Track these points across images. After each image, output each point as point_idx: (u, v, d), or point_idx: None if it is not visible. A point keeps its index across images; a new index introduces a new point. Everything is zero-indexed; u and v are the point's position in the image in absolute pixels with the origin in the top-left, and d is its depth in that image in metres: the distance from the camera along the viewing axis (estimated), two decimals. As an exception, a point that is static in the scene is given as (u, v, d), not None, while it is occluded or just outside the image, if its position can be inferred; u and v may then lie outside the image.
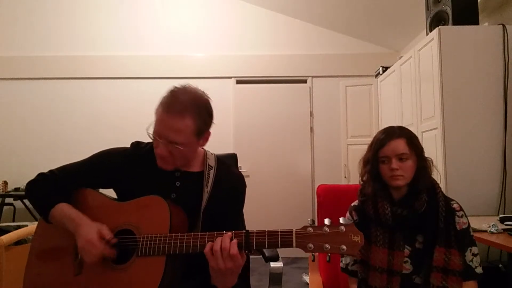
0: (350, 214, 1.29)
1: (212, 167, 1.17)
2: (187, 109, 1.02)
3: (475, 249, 1.14)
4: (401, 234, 1.16)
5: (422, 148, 1.20)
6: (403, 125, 1.30)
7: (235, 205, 1.19)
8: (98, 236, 0.98)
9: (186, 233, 0.97)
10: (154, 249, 0.97)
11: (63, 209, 1.06)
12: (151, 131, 1.06)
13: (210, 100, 1.10)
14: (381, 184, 1.21)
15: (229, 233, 0.93)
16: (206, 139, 1.13)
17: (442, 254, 1.09)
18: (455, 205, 1.18)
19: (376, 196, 1.20)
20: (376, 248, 1.16)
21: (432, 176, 1.21)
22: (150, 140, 1.11)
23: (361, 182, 1.28)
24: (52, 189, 1.10)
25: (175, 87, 1.06)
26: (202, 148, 1.23)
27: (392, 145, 1.15)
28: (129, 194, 1.09)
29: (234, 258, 0.89)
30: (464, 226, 1.15)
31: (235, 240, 0.91)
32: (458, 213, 1.16)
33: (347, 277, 1.29)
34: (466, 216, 1.17)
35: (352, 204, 1.31)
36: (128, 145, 1.22)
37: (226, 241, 0.90)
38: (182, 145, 1.03)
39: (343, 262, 1.29)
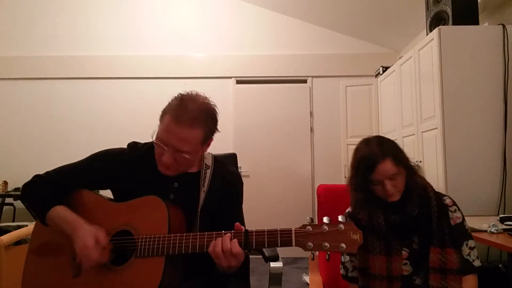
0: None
1: (209, 167, 1.18)
2: (196, 119, 1.01)
3: (471, 243, 1.12)
4: (396, 238, 1.14)
5: (407, 158, 1.16)
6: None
7: (232, 203, 1.19)
8: (95, 241, 0.96)
9: (184, 234, 0.97)
10: (152, 250, 0.97)
11: (60, 212, 1.05)
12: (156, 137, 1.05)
13: (216, 108, 1.09)
14: (375, 201, 1.16)
15: (228, 233, 0.93)
16: (209, 145, 1.13)
17: (437, 254, 1.08)
18: (447, 201, 1.15)
19: (370, 209, 1.16)
20: (374, 256, 1.14)
21: (424, 176, 1.18)
22: (149, 140, 1.11)
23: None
24: (48, 191, 1.09)
25: (183, 95, 1.05)
26: None
27: (381, 169, 1.08)
28: (126, 195, 1.09)
29: (237, 255, 0.92)
30: (459, 221, 1.13)
31: (235, 240, 0.92)
32: (451, 208, 1.14)
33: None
34: (459, 210, 1.15)
35: (347, 211, 1.28)
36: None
37: (226, 242, 0.92)
38: (188, 153, 1.02)
39: (343, 269, 1.28)
